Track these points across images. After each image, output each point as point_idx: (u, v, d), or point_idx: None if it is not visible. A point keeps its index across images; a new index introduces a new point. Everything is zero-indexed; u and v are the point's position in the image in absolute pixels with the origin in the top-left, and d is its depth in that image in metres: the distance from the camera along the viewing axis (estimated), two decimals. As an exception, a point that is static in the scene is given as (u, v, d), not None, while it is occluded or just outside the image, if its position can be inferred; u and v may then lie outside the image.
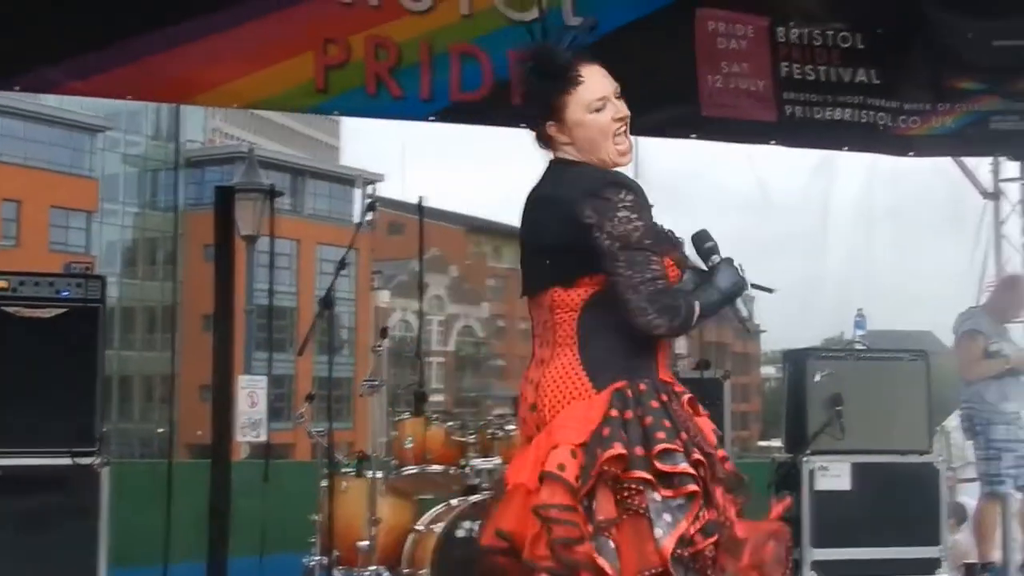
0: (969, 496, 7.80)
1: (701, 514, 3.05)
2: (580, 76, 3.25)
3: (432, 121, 6.81)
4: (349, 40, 6.44)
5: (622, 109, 3.28)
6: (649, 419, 3.06)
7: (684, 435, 3.08)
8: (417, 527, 6.02)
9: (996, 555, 7.45)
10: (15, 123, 40.62)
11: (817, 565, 6.69)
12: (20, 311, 5.52)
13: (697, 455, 3.07)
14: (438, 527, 5.88)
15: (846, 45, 7.44)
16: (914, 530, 6.82)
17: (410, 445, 6.19)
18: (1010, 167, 8.40)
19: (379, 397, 6.26)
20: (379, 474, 6.07)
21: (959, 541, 7.82)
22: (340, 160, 59.30)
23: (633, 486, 3.01)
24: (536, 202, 3.29)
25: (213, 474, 6.59)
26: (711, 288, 3.21)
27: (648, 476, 3.00)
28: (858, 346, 7.44)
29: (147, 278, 45.79)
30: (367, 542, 5.88)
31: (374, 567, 5.89)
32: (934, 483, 6.95)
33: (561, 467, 3.01)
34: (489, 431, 6.23)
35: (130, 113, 44.90)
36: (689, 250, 3.34)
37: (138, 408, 44.04)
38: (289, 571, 6.26)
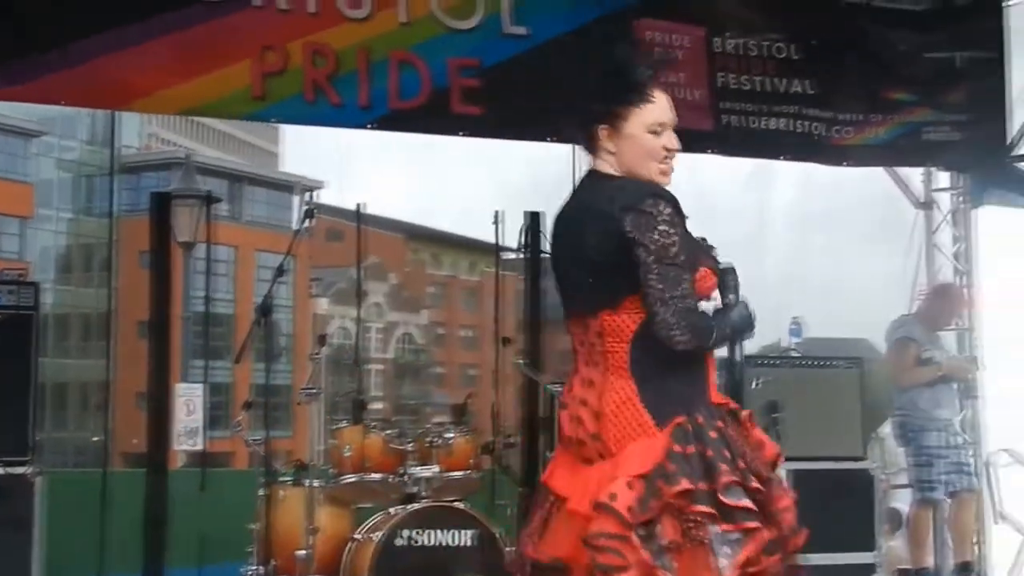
0: (903, 502, 7.88)
1: (761, 536, 3.15)
2: (652, 96, 3.32)
3: (371, 128, 6.80)
4: (287, 47, 6.43)
5: (675, 142, 3.36)
6: (711, 452, 3.15)
7: (742, 463, 3.18)
8: (356, 536, 6.01)
9: (929, 561, 7.54)
10: (-52, 128, 40.05)
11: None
12: (-48, 318, 5.46)
13: (755, 483, 3.17)
14: (377, 536, 5.87)
15: (782, 56, 7.53)
16: (849, 536, 6.88)
17: (348, 453, 6.17)
18: (942, 177, 8.51)
19: (317, 405, 6.23)
20: (317, 483, 6.05)
21: (893, 547, 7.91)
22: (279, 166, 58.94)
23: (697, 519, 3.11)
24: (576, 216, 3.33)
25: (149, 483, 6.53)
26: (724, 320, 3.32)
27: (712, 511, 3.10)
28: (794, 353, 7.51)
29: (82, 285, 45.23)
30: (305, 551, 5.85)
31: (312, 576, 5.87)
32: (869, 489, 7.03)
33: (613, 497, 3.10)
34: (428, 439, 6.23)
35: (65, 118, 44.32)
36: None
37: (73, 416, 43.47)
38: (227, 581, 6.22)
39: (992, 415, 8.02)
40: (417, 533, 5.88)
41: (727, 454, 3.17)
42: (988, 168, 8.13)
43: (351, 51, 6.55)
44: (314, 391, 6.19)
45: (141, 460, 6.88)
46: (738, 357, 6.49)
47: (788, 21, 7.59)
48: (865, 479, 7.02)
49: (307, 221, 6.47)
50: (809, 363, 7.26)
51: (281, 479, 6.17)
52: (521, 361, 7.03)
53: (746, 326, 3.36)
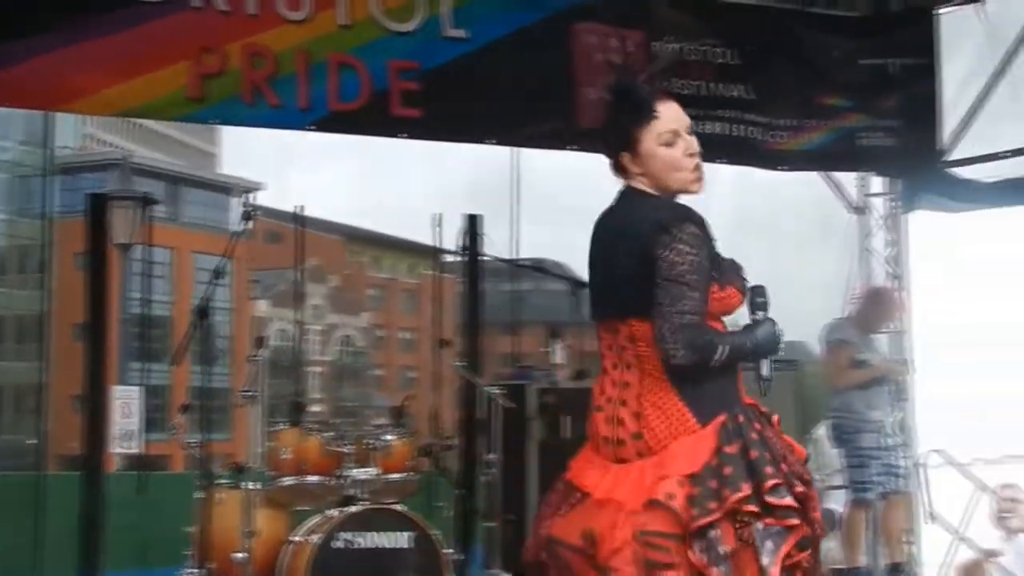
0: (837, 503, 7.97)
1: (801, 530, 3.24)
2: (656, 112, 3.40)
3: (310, 130, 6.79)
4: (226, 49, 6.39)
5: (693, 145, 3.43)
6: (754, 453, 3.24)
7: (784, 466, 3.27)
8: (293, 538, 5.99)
9: (862, 561, 7.63)
10: None
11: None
12: None
13: (799, 487, 3.27)
14: (315, 538, 5.86)
15: (719, 61, 7.60)
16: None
17: (286, 456, 6.16)
18: (875, 182, 8.62)
19: (256, 408, 6.22)
20: (255, 485, 6.03)
21: (829, 548, 7.99)
22: (218, 168, 58.54)
23: (745, 519, 3.19)
24: (609, 231, 3.44)
25: (85, 486, 6.48)
26: (746, 337, 3.39)
27: (758, 510, 3.19)
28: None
29: (16, 286, 44.66)
30: (243, 554, 5.83)
31: (250, 579, 5.84)
32: (804, 490, 7.08)
33: (670, 496, 3.17)
34: (366, 441, 6.23)
35: (0, 118, 43.79)
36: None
37: (7, 419, 42.92)
38: (163, 585, 6.19)
39: (923, 417, 8.14)
40: (355, 535, 5.87)
41: (769, 456, 3.27)
42: (920, 173, 8.25)
43: (290, 53, 6.53)
44: (252, 393, 6.17)
45: (77, 463, 6.83)
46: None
47: (726, 27, 7.66)
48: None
49: (246, 223, 6.44)
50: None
51: (218, 482, 6.15)
52: (459, 363, 7.05)
53: (771, 344, 3.43)
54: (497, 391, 6.59)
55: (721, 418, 3.27)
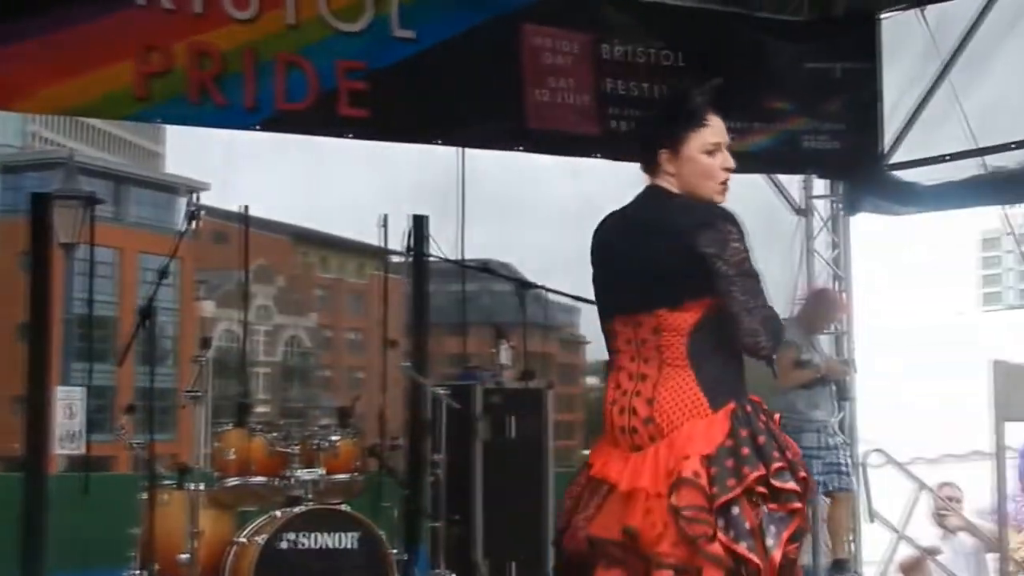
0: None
1: (802, 516, 3.37)
2: (707, 121, 3.57)
3: (257, 130, 6.78)
4: (172, 48, 6.37)
5: (729, 161, 3.60)
6: (762, 439, 3.37)
7: (789, 454, 3.40)
8: (238, 539, 5.96)
9: (805, 558, 7.71)
10: None
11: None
12: None
13: (803, 473, 3.40)
14: (260, 539, 5.84)
15: (668, 63, 7.66)
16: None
17: (232, 456, 6.14)
18: (819, 185, 8.71)
19: (201, 408, 6.20)
20: (200, 486, 6.00)
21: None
22: (164, 167, 58.08)
23: (755, 500, 3.31)
24: (638, 225, 3.54)
25: (27, 487, 6.43)
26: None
27: (766, 492, 3.31)
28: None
29: (-42, 286, 44.14)
30: (187, 555, 5.80)
31: (194, 580, 5.82)
32: (747, 489, 7.14)
33: (696, 474, 3.28)
34: (313, 442, 6.21)
35: (-58, 115, 43.29)
36: None
37: (-52, 421, 42.40)
38: (107, 586, 6.14)
39: (864, 417, 8.24)
40: (301, 536, 5.86)
41: (775, 443, 3.38)
42: (863, 176, 8.35)
43: (237, 52, 6.52)
44: (198, 394, 6.15)
45: (19, 464, 6.77)
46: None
47: (672, 30, 7.72)
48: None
49: (191, 223, 6.40)
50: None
51: (163, 483, 6.11)
52: (406, 364, 7.05)
53: (780, 332, 3.54)
54: (443, 391, 6.59)
55: (731, 405, 3.39)
